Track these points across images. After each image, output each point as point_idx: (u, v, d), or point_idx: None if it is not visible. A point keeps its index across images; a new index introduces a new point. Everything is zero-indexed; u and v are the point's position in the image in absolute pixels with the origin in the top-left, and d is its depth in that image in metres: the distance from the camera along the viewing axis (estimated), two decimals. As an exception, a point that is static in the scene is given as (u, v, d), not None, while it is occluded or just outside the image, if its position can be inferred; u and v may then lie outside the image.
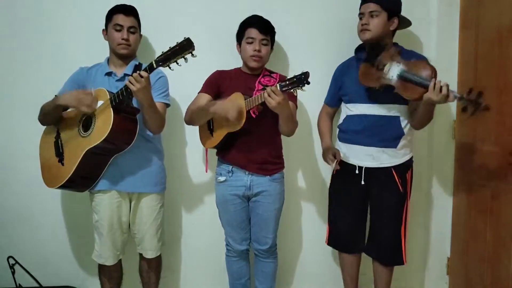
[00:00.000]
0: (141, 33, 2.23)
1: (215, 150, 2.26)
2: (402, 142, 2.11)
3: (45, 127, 2.21)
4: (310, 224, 2.57)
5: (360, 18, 2.12)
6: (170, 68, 1.81)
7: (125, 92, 1.90)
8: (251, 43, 2.11)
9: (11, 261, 2.37)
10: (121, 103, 1.94)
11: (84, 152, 1.98)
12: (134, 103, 2.03)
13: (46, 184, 2.16)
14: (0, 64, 2.44)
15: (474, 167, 2.29)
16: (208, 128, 2.18)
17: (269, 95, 1.85)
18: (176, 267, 2.58)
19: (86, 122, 2.04)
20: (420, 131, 2.48)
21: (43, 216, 2.52)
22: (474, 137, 2.27)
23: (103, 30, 2.17)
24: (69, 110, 2.15)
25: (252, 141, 2.11)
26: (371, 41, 2.09)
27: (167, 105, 2.17)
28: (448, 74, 2.43)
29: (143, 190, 2.15)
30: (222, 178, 2.19)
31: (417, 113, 2.03)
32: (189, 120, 2.18)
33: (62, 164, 2.09)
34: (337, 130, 2.27)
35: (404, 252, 2.17)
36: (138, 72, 1.84)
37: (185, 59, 1.77)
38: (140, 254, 2.27)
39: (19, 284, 2.38)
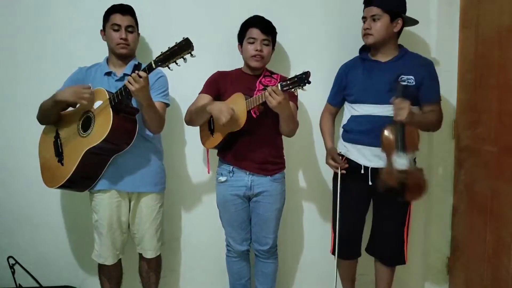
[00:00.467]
0: (141, 33, 2.24)
1: (216, 151, 2.26)
2: None
3: (44, 126, 2.21)
4: (311, 224, 2.57)
5: (363, 22, 2.12)
6: (169, 68, 1.81)
7: (124, 92, 1.90)
8: (253, 43, 2.11)
9: (11, 261, 2.37)
10: (120, 103, 1.94)
11: (83, 152, 1.98)
12: (134, 103, 2.03)
13: (46, 184, 2.16)
14: (0, 64, 2.44)
15: (474, 167, 2.28)
16: (208, 129, 2.18)
17: (269, 95, 1.85)
18: (176, 267, 2.58)
19: (86, 122, 2.04)
20: (419, 130, 2.49)
21: (43, 216, 2.52)
22: (474, 137, 2.27)
23: (101, 30, 2.17)
24: (68, 109, 2.15)
25: (253, 141, 2.11)
26: (374, 45, 2.09)
27: (167, 104, 2.17)
28: (448, 74, 2.44)
29: (142, 190, 2.15)
30: (223, 178, 2.19)
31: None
32: (189, 121, 2.19)
33: (62, 164, 2.09)
34: (341, 129, 2.26)
35: (406, 251, 2.18)
36: (136, 72, 1.84)
37: (184, 59, 1.77)
38: (140, 254, 2.27)
39: (19, 284, 2.38)
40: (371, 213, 2.27)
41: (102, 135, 1.93)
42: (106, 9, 2.15)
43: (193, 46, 1.75)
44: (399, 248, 2.18)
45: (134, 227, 2.20)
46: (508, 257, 1.94)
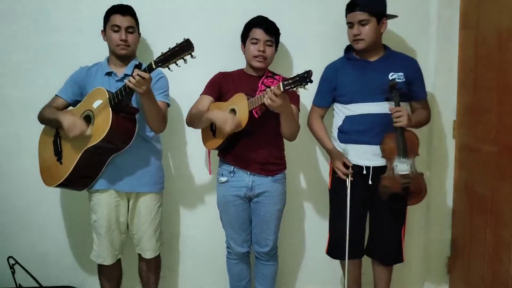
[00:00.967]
0: (142, 33, 2.24)
1: (217, 152, 2.25)
2: None
3: (44, 126, 2.21)
4: (312, 226, 2.57)
5: (350, 27, 2.11)
6: (169, 69, 1.81)
7: (124, 92, 1.90)
8: (256, 43, 2.11)
9: (11, 261, 2.37)
10: (120, 103, 1.94)
11: (82, 151, 1.99)
12: (134, 103, 2.03)
13: (45, 182, 2.17)
14: (1, 64, 2.45)
15: (474, 167, 2.28)
16: (210, 129, 2.18)
17: (270, 97, 1.84)
18: (175, 267, 2.58)
19: (85, 121, 2.03)
20: (420, 131, 2.49)
21: (43, 216, 2.52)
22: (474, 137, 2.27)
23: (101, 31, 2.17)
24: (68, 109, 2.15)
25: (254, 141, 2.10)
26: (366, 49, 2.10)
27: (168, 104, 2.17)
28: (448, 75, 2.44)
29: (141, 190, 2.15)
30: (223, 179, 2.18)
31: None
32: (190, 122, 2.18)
33: (61, 163, 2.09)
34: (335, 132, 2.23)
35: (403, 250, 2.19)
36: (137, 73, 1.83)
37: (184, 60, 1.77)
38: (139, 255, 2.27)
39: (19, 284, 2.37)
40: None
41: (101, 134, 1.93)
42: (107, 9, 2.14)
43: (193, 47, 1.75)
44: (397, 246, 2.19)
45: (133, 227, 2.20)
46: (508, 257, 1.94)
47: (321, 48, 2.43)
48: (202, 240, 2.55)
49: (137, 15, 2.18)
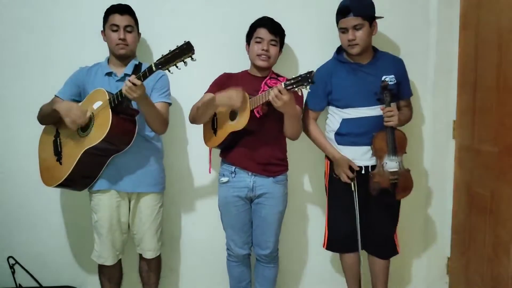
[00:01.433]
0: (143, 33, 2.24)
1: (219, 151, 2.25)
2: None
3: (44, 126, 2.22)
4: (313, 228, 2.56)
5: (343, 32, 2.11)
6: (169, 71, 1.81)
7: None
8: (260, 42, 2.11)
9: (11, 261, 2.38)
10: (120, 104, 1.94)
11: (82, 152, 1.99)
12: (134, 104, 2.03)
13: (45, 182, 2.17)
14: (1, 64, 2.45)
15: (474, 167, 2.29)
16: (211, 127, 2.17)
17: (275, 95, 1.85)
18: (175, 267, 2.58)
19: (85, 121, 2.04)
20: (420, 131, 2.50)
21: (43, 216, 2.52)
22: (474, 137, 2.27)
23: (101, 31, 2.17)
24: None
25: (255, 141, 2.10)
26: (361, 54, 2.12)
27: (169, 104, 2.17)
28: (448, 75, 2.44)
29: (142, 190, 2.15)
30: (224, 179, 2.18)
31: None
32: (193, 118, 2.17)
33: (60, 163, 2.10)
34: (331, 134, 2.23)
35: (397, 241, 2.25)
36: (129, 79, 1.83)
37: (184, 62, 1.77)
38: (140, 255, 2.27)
39: (19, 284, 2.38)
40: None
41: (101, 135, 1.93)
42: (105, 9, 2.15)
43: (194, 50, 1.75)
44: (393, 240, 2.23)
45: (134, 227, 2.20)
46: (507, 257, 1.95)
47: (322, 48, 2.42)
48: (202, 240, 2.55)
49: (138, 15, 2.18)
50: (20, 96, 2.45)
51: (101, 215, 2.13)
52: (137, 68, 2.13)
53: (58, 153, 2.12)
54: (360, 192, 2.14)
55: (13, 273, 2.36)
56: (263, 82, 2.15)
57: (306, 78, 1.79)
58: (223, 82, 2.17)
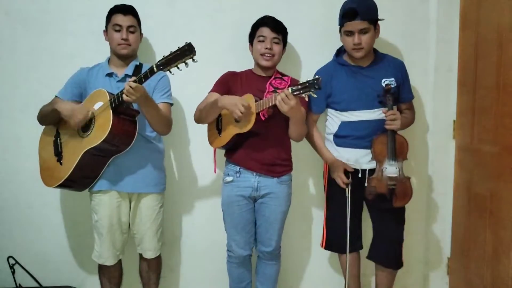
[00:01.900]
0: (144, 33, 2.24)
1: (223, 151, 2.25)
2: None
3: (44, 126, 2.22)
4: (314, 227, 2.55)
5: (348, 35, 2.09)
6: (170, 72, 1.81)
7: None
8: (263, 41, 2.11)
9: (11, 261, 2.37)
10: (121, 104, 1.94)
11: (82, 153, 1.99)
12: (134, 105, 2.03)
13: (45, 183, 2.17)
14: (1, 64, 2.45)
15: (474, 167, 2.28)
16: (216, 128, 2.18)
17: (282, 100, 1.84)
18: (176, 267, 2.58)
19: (86, 122, 2.04)
20: (420, 131, 2.49)
21: (43, 216, 2.52)
22: (474, 137, 2.27)
23: (104, 30, 2.18)
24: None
25: (261, 142, 2.10)
26: (364, 57, 2.11)
27: (171, 104, 2.17)
28: (448, 75, 2.44)
29: (143, 191, 2.15)
30: (229, 179, 2.18)
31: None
32: (198, 118, 2.16)
33: (61, 164, 2.10)
34: (330, 136, 2.23)
35: (402, 253, 2.21)
36: (127, 83, 1.84)
37: (185, 64, 1.77)
38: (140, 254, 2.27)
39: (19, 284, 2.38)
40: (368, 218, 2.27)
41: (102, 136, 1.93)
42: (109, 9, 2.15)
43: (195, 51, 1.75)
44: (400, 250, 2.20)
45: (134, 227, 2.20)
46: (508, 258, 1.95)
47: (324, 46, 2.41)
48: (203, 240, 2.55)
49: (140, 14, 2.18)
50: (20, 96, 2.44)
51: (102, 215, 2.13)
52: (138, 68, 2.14)
53: (58, 154, 2.12)
54: (356, 196, 2.13)
55: (13, 273, 2.36)
56: (268, 83, 2.14)
57: (313, 85, 1.79)
58: (228, 81, 2.17)
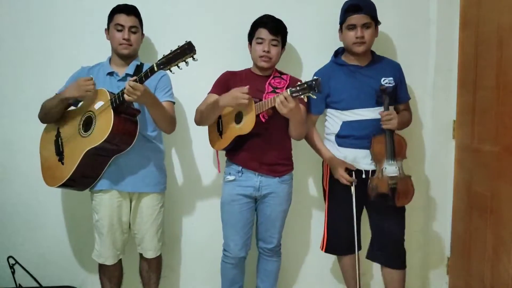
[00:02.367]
0: (146, 33, 2.25)
1: (224, 151, 2.25)
2: None
3: (45, 125, 2.22)
4: (315, 225, 2.56)
5: (350, 29, 2.10)
6: (171, 71, 1.81)
7: None
8: (261, 43, 2.11)
9: (11, 261, 2.37)
10: (122, 104, 1.94)
11: (84, 152, 1.99)
12: (135, 105, 2.03)
13: (46, 182, 2.17)
14: (2, 63, 2.45)
15: (474, 167, 2.28)
16: (217, 130, 2.18)
17: (281, 102, 1.85)
18: (176, 267, 2.58)
19: (87, 122, 2.04)
20: (420, 131, 2.50)
21: (43, 216, 2.52)
22: (474, 137, 2.27)
23: (105, 29, 2.18)
24: (70, 108, 2.15)
25: (262, 144, 2.11)
26: (364, 54, 2.12)
27: (173, 103, 2.17)
28: (448, 74, 2.44)
29: (143, 190, 2.15)
30: (231, 177, 2.18)
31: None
32: (199, 120, 2.17)
33: (62, 163, 2.10)
34: (332, 137, 2.23)
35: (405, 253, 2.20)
36: (127, 82, 1.84)
37: (186, 62, 1.77)
38: (140, 254, 2.27)
39: (19, 284, 2.38)
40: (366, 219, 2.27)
41: (103, 136, 1.93)
42: (110, 9, 2.15)
43: (195, 50, 1.75)
44: (403, 247, 2.20)
45: (135, 227, 2.20)
46: (508, 257, 1.94)
47: (323, 44, 2.42)
48: (203, 240, 2.55)
49: (142, 14, 2.18)
50: (21, 96, 2.45)
51: (102, 215, 2.13)
52: (139, 68, 2.14)
53: (60, 153, 2.12)
54: (360, 196, 2.13)
55: (13, 273, 2.36)
56: (267, 83, 2.15)
57: (312, 87, 1.79)
58: (227, 80, 2.17)
